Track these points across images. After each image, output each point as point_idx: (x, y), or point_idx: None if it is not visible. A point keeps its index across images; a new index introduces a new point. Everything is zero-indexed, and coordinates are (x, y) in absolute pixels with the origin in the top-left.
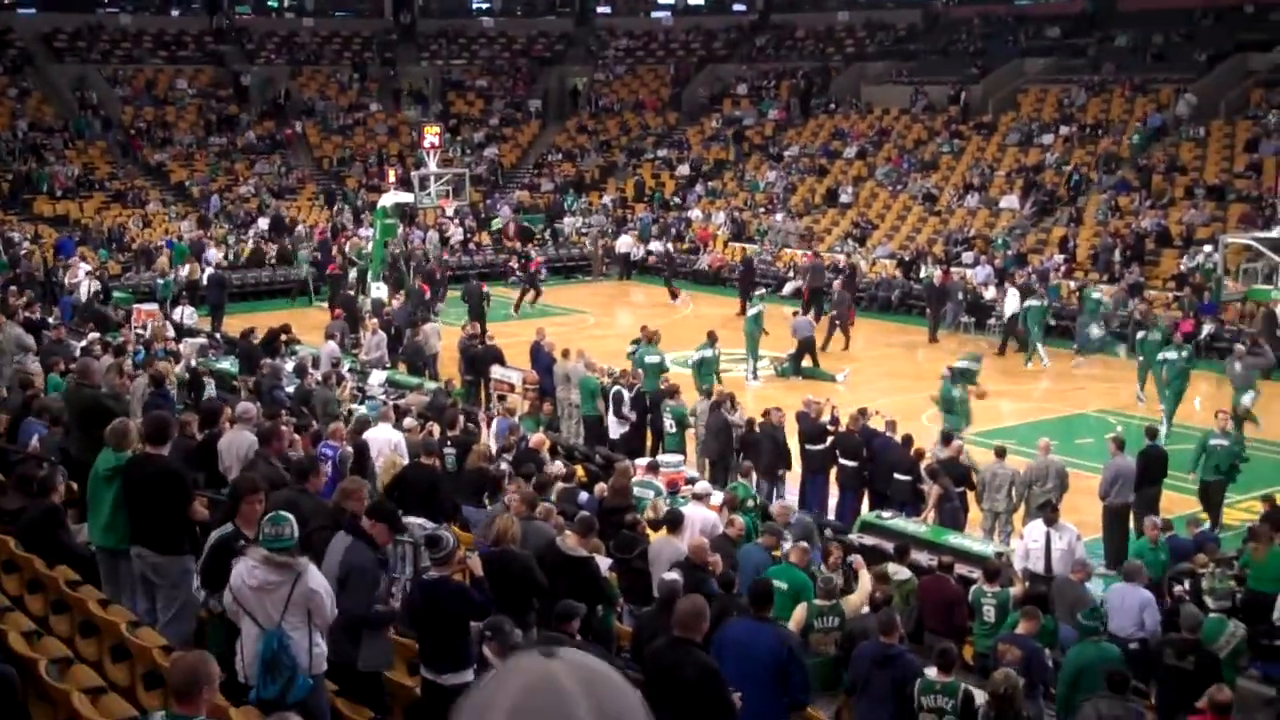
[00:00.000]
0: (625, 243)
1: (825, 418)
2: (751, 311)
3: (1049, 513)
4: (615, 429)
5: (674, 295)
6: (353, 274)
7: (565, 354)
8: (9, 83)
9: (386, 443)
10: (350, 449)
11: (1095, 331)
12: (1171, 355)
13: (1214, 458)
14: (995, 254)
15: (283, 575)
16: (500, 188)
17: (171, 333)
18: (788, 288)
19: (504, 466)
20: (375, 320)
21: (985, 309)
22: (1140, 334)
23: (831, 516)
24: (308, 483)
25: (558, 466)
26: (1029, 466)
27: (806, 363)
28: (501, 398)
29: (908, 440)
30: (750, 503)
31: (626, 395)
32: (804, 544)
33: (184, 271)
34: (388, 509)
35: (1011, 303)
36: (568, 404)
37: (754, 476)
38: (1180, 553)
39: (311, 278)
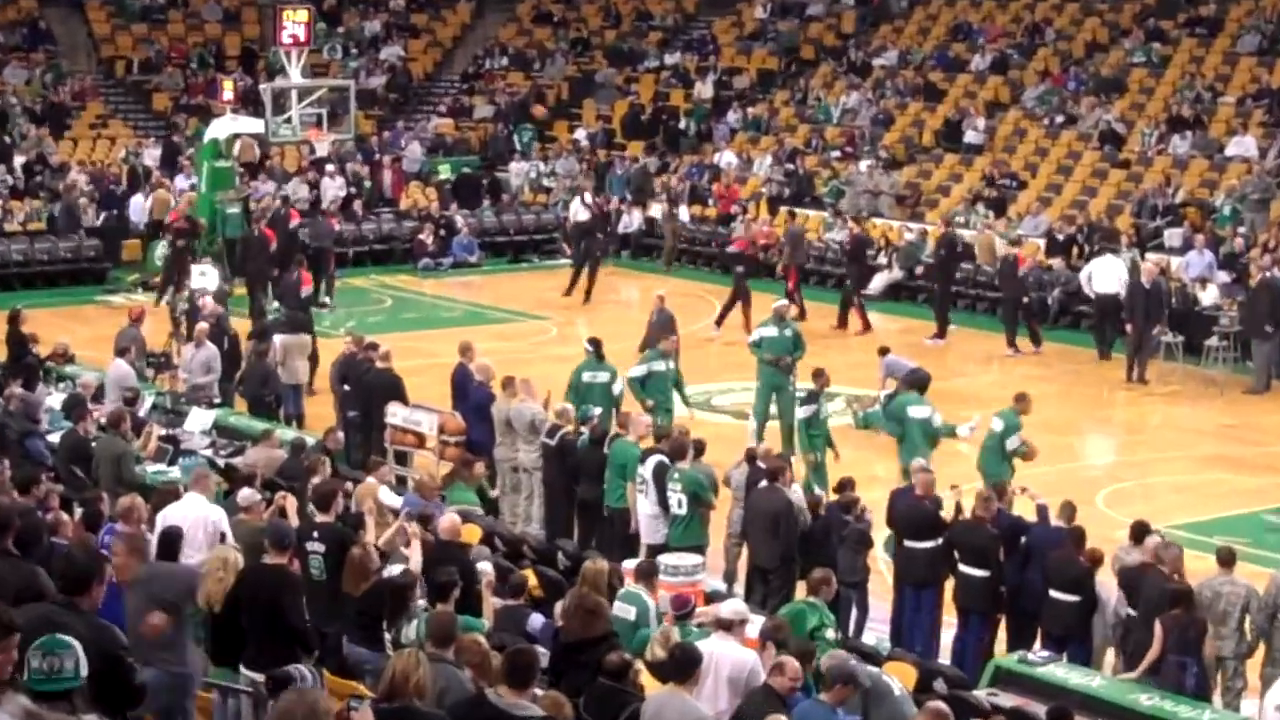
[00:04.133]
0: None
1: (948, 502)
2: (755, 336)
3: None
4: (651, 527)
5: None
6: (160, 248)
7: (508, 385)
8: None
9: (201, 525)
10: (152, 538)
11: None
12: None
13: None
14: (1219, 230)
15: None
16: (408, 113)
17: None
18: (876, 281)
19: (410, 568)
20: (202, 326)
21: (1203, 320)
22: None
23: (945, 659)
24: (81, 596)
25: (487, 569)
26: (1272, 581)
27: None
28: (403, 457)
29: (1076, 536)
30: (830, 633)
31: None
32: (939, 706)
33: None
34: None
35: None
36: (510, 467)
37: (831, 590)
38: None
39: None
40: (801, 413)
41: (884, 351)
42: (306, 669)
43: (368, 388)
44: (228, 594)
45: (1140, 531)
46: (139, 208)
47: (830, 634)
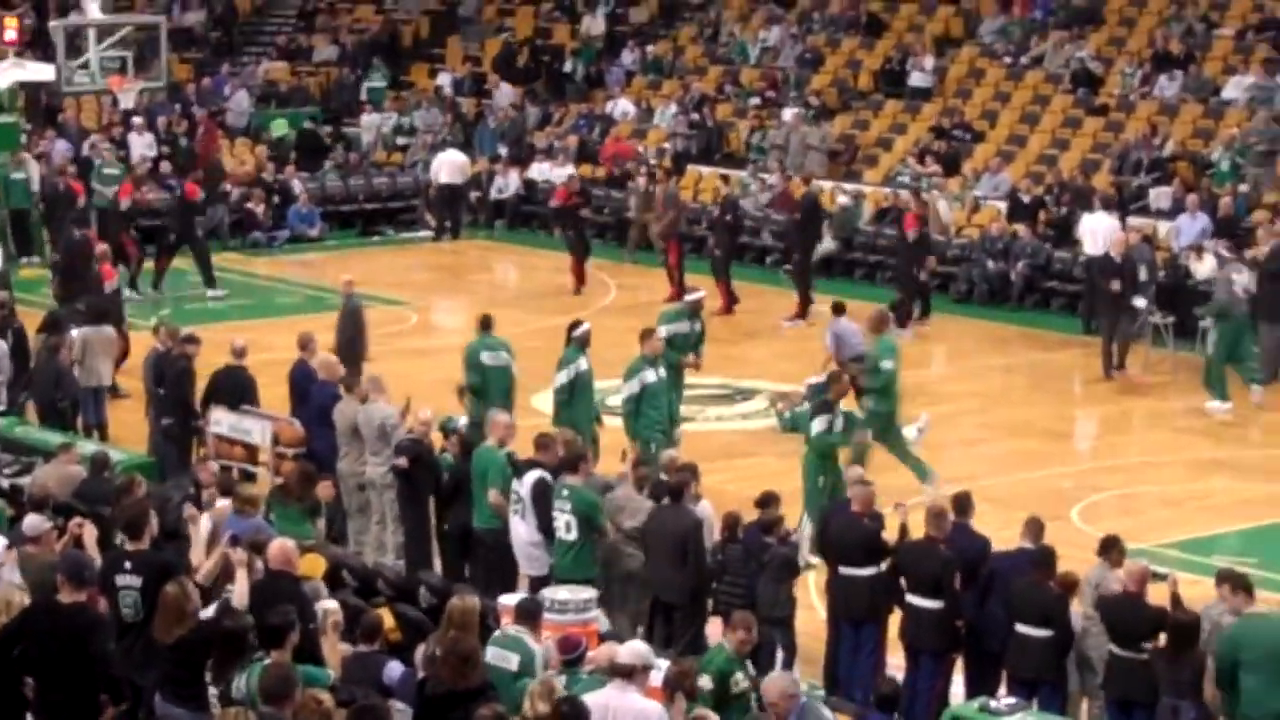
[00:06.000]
0: (451, 166)
1: (892, 522)
2: (665, 333)
3: None
4: (531, 555)
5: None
6: None
7: (352, 386)
8: None
9: None
10: None
11: None
12: None
13: None
14: (1216, 189)
15: None
16: (232, 57)
17: None
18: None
19: (237, 606)
20: None
21: (1197, 297)
22: None
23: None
24: None
25: (333, 606)
26: None
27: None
28: (229, 471)
29: (1044, 558)
30: (740, 680)
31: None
32: None
33: None
34: None
35: None
36: (356, 484)
37: (746, 633)
38: None
39: None
40: (816, 425)
41: (839, 310)
42: None
43: (216, 384)
44: (6, 640)
45: (1111, 547)
46: None
47: (739, 681)
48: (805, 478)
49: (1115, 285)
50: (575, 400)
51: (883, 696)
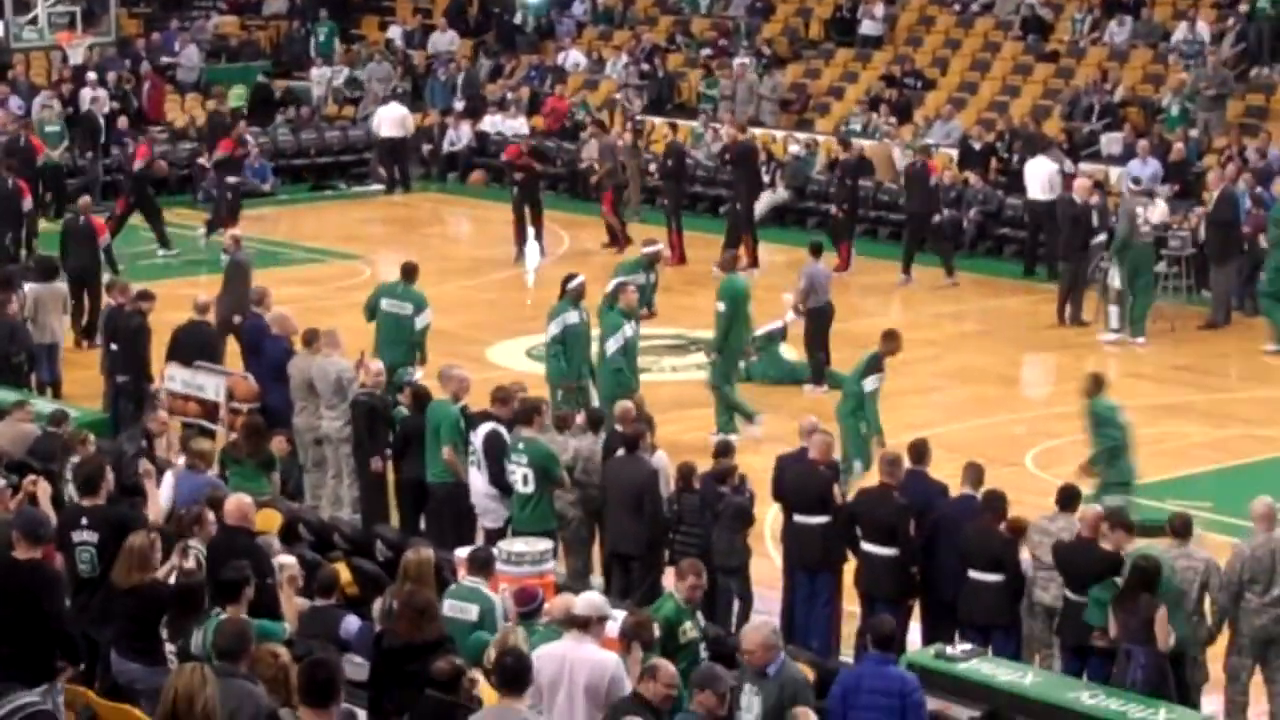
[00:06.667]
0: (391, 120)
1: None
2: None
3: None
4: (487, 508)
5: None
6: None
7: (311, 341)
8: None
9: None
10: None
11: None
12: None
13: None
14: (1168, 136)
15: None
16: (181, 11)
17: None
18: (763, 200)
19: (189, 564)
20: None
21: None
22: None
23: (848, 656)
24: None
25: (289, 561)
26: (1236, 554)
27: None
28: (190, 429)
29: (995, 502)
30: (688, 629)
31: (506, 436)
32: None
33: None
34: None
35: None
36: (312, 439)
37: (696, 578)
38: None
39: None
40: (870, 383)
41: (816, 251)
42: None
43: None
44: None
45: (1069, 497)
46: None
47: (687, 630)
48: (846, 428)
49: (1098, 239)
50: (567, 353)
51: (881, 636)
